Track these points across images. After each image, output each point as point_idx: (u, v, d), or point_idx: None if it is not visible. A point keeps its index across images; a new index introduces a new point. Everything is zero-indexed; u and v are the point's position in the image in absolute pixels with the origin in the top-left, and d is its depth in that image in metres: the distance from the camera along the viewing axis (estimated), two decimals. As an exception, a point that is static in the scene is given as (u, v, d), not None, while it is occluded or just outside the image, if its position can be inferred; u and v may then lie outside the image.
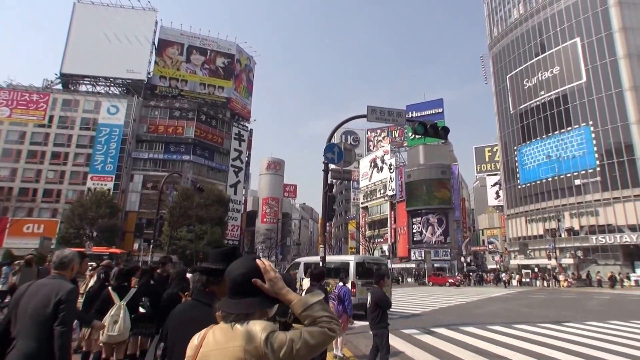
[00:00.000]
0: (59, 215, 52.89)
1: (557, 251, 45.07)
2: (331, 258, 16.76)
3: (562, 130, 51.90)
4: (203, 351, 1.40)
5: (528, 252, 53.40)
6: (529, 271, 48.61)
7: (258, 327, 1.35)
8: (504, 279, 43.24)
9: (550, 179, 52.52)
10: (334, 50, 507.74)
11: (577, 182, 48.81)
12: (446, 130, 11.85)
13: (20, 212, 50.56)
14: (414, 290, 33.83)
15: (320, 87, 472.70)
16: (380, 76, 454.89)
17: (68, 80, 63.90)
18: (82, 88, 65.03)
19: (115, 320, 4.82)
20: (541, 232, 52.82)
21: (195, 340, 1.47)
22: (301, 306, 1.40)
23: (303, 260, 17.48)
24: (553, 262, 44.94)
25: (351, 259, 14.68)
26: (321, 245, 12.22)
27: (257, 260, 1.49)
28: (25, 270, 10.24)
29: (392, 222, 69.24)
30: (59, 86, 63.85)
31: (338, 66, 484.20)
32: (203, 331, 1.47)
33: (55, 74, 63.78)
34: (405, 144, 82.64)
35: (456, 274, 51.70)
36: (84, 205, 47.18)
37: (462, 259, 58.75)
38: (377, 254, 63.22)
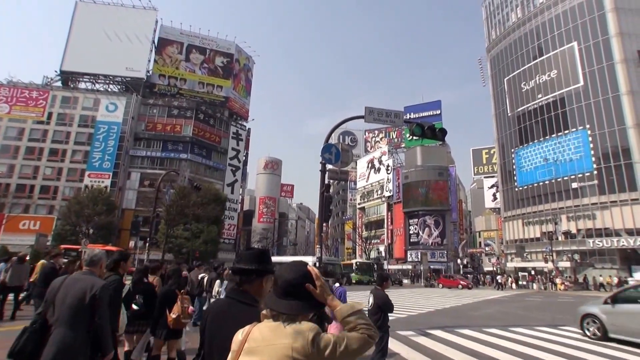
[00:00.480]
0: (55, 212, 52.91)
1: (554, 254, 45.15)
2: (285, 258, 17.95)
3: (560, 134, 52.12)
4: (249, 346, 1.49)
5: (525, 254, 53.53)
6: (526, 274, 48.75)
7: (306, 328, 1.44)
8: (500, 281, 43.22)
9: (547, 182, 52.70)
10: (333, 50, 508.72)
11: (574, 185, 48.97)
12: (444, 131, 11.82)
13: (17, 208, 50.12)
14: (411, 292, 33.77)
15: (319, 87, 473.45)
16: (378, 77, 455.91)
17: (68, 78, 64.07)
18: (82, 85, 65.23)
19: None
20: (538, 235, 52.97)
21: (239, 335, 1.56)
22: (345, 313, 1.52)
23: (273, 260, 17.90)
24: (550, 265, 45.00)
25: (310, 259, 15.22)
26: (317, 246, 12.19)
27: (308, 267, 1.60)
28: (16, 267, 10.19)
29: (389, 223, 69.30)
30: (59, 83, 64.02)
31: (336, 67, 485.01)
32: (247, 327, 1.56)
33: (55, 71, 64.17)
34: (402, 145, 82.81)
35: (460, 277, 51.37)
36: (80, 202, 47.15)
37: (459, 261, 58.89)
38: (373, 254, 63.42)
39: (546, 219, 51.58)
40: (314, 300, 1.54)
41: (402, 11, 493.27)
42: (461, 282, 43.02)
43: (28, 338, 3.08)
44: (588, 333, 10.14)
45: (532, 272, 48.46)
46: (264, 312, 1.57)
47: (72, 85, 64.12)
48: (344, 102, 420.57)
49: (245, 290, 1.98)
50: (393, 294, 24.81)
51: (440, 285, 44.68)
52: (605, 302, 10.00)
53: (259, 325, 1.55)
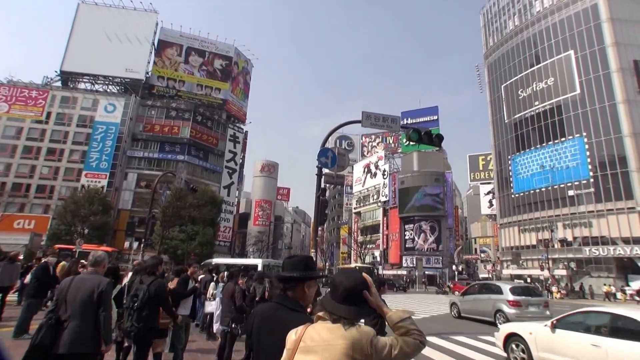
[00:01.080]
0: (51, 212, 52.54)
1: (550, 262, 45.12)
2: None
3: (556, 141, 52.32)
4: (306, 345, 1.62)
5: (521, 262, 53.46)
6: (522, 281, 48.67)
7: (364, 330, 1.60)
8: None
9: (543, 189, 52.81)
10: (330, 56, 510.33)
11: (571, 192, 49.03)
12: (440, 137, 11.78)
13: (12, 207, 49.52)
14: (409, 298, 33.64)
15: (316, 91, 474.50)
16: (376, 82, 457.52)
17: (68, 78, 64.23)
18: (81, 86, 65.39)
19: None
20: (534, 242, 52.89)
21: (292, 335, 1.70)
22: (397, 319, 1.68)
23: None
24: (546, 272, 44.89)
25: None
26: (312, 250, 12.35)
27: (364, 275, 1.77)
28: (6, 266, 10.03)
29: (385, 228, 69.27)
30: (59, 83, 64.15)
31: (334, 72, 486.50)
32: (300, 327, 1.70)
33: (56, 72, 64.28)
34: (399, 150, 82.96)
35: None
36: (76, 202, 46.82)
37: (454, 267, 58.77)
38: (368, 259, 63.31)
39: (542, 226, 51.63)
40: (367, 306, 1.70)
41: (400, 17, 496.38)
42: None
43: (45, 332, 3.55)
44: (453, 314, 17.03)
45: (528, 280, 48.35)
46: (320, 313, 1.71)
47: (71, 86, 64.26)
48: (341, 106, 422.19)
49: (289, 296, 2.08)
50: (389, 299, 24.73)
51: (456, 292, 41.89)
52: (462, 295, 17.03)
53: (315, 326, 1.67)
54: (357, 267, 45.47)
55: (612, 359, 5.59)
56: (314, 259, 10.85)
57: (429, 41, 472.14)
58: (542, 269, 45.94)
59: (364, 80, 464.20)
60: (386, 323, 1.77)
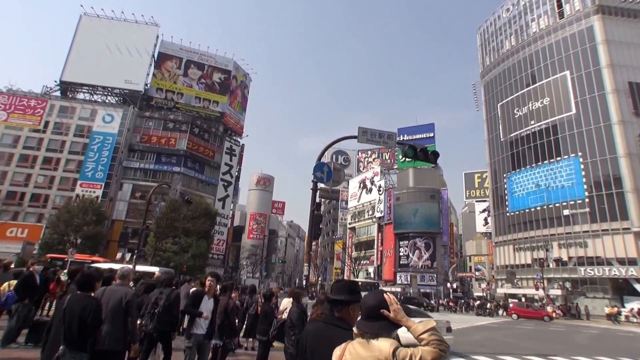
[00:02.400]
0: (44, 221, 52.14)
1: (545, 281, 44.88)
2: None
3: (552, 160, 52.60)
4: (347, 359, 1.90)
5: (515, 281, 53.15)
6: (516, 300, 48.32)
7: (387, 343, 1.81)
8: (487, 307, 42.54)
9: (539, 208, 52.84)
10: (328, 71, 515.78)
11: (566, 212, 49.00)
12: (436, 154, 11.87)
13: (5, 215, 49.84)
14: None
15: (313, 106, 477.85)
16: (372, 99, 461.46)
17: (67, 88, 64.47)
18: (80, 96, 65.61)
19: None
20: (529, 261, 52.70)
21: (337, 351, 1.97)
22: (419, 331, 1.83)
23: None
24: (541, 292, 44.69)
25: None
26: (306, 264, 12.28)
27: (384, 295, 1.99)
28: None
29: (379, 244, 68.87)
30: (58, 93, 64.34)
31: (331, 87, 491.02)
32: (343, 345, 1.97)
33: (55, 81, 64.58)
34: (395, 167, 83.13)
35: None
36: (70, 211, 46.58)
37: (449, 284, 58.37)
38: (362, 275, 62.79)
39: (537, 245, 51.39)
40: (390, 322, 1.91)
41: (398, 35, 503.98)
42: (546, 313, 36.01)
43: None
44: None
45: (523, 299, 48.04)
46: (355, 331, 1.98)
47: (70, 96, 64.46)
48: (338, 122, 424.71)
49: (336, 316, 2.37)
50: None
51: (515, 315, 36.65)
52: None
53: (353, 342, 1.94)
54: (361, 282, 44.61)
55: None
56: (307, 273, 11.11)
57: (426, 59, 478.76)
58: (537, 288, 45.70)
59: (361, 97, 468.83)
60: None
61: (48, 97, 62.00)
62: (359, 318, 2.03)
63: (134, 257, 26.29)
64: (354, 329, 2.00)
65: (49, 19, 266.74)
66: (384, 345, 1.81)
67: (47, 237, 46.27)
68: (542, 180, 53.22)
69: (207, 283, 6.25)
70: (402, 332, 1.99)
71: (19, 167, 56.56)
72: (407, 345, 1.84)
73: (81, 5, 67.39)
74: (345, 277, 62.83)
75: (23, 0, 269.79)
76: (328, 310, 2.47)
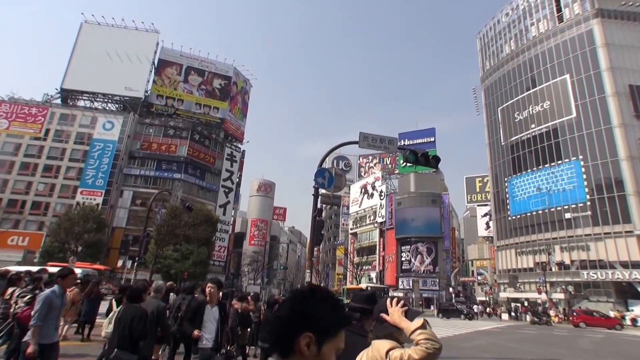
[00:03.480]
0: (45, 229, 52.06)
1: (548, 285, 44.61)
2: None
3: (553, 164, 52.45)
4: None
5: (518, 285, 52.82)
6: (519, 305, 48.05)
7: (384, 344, 1.89)
8: (487, 310, 42.17)
9: (540, 212, 52.61)
10: (328, 76, 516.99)
11: (568, 215, 48.74)
12: (437, 159, 11.80)
13: (7, 223, 49.75)
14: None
15: (314, 112, 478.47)
16: (373, 104, 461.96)
17: (67, 95, 64.70)
18: (81, 103, 65.81)
19: (111, 322, 5.86)
20: (531, 265, 52.39)
21: (362, 357, 2.01)
22: (408, 332, 1.89)
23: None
24: (543, 296, 44.37)
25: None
26: (308, 270, 12.10)
27: (387, 301, 2.11)
28: None
29: (381, 249, 68.60)
30: (58, 101, 64.52)
31: (331, 92, 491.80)
32: (364, 351, 2.00)
33: (56, 89, 64.71)
34: (396, 172, 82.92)
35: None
36: (71, 219, 46.42)
37: (451, 289, 58.06)
38: (364, 281, 62.41)
39: (539, 249, 51.16)
40: (389, 324, 2.01)
41: (398, 40, 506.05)
42: (618, 320, 33.32)
43: None
44: None
45: (526, 303, 47.76)
46: (370, 336, 2.13)
47: (71, 103, 64.68)
48: (339, 127, 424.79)
49: (356, 324, 2.47)
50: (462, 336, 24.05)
51: (582, 323, 33.10)
52: None
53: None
54: (369, 288, 44.10)
55: None
56: (310, 280, 11.08)
57: (426, 64, 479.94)
58: (539, 292, 45.43)
59: (361, 102, 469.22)
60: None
61: (49, 105, 62.18)
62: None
63: (135, 264, 26.19)
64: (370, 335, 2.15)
65: (51, 27, 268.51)
66: (382, 345, 1.89)
67: (48, 245, 46.16)
68: (543, 184, 53.05)
69: (208, 290, 5.64)
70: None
71: (20, 175, 56.67)
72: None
73: (82, 13, 68.67)
74: (348, 283, 62.59)
75: (25, 9, 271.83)
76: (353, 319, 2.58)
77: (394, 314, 2.00)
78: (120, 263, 46.99)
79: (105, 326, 6.20)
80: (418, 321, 1.90)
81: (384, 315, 2.05)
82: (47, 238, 48.86)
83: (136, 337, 4.59)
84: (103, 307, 11.49)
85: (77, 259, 34.43)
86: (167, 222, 44.04)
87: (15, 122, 58.75)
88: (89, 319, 11.08)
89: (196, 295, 7.42)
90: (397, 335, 2.01)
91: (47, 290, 4.94)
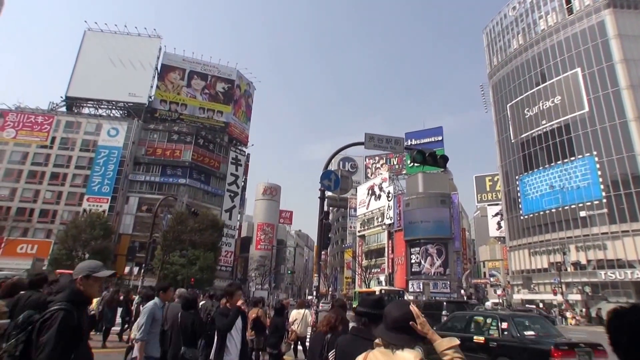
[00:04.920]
0: (53, 236, 52.49)
1: (563, 286, 43.32)
2: None
3: (566, 160, 51.12)
4: None
5: (532, 286, 51.52)
6: (533, 307, 46.71)
7: (412, 355, 1.84)
8: None
9: (554, 210, 51.29)
10: (332, 76, 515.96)
11: (583, 213, 47.46)
12: (445, 158, 11.65)
13: (16, 232, 50.08)
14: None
15: (318, 113, 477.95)
16: (379, 103, 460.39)
17: (72, 103, 65.10)
18: (85, 111, 66.11)
19: (139, 326, 5.89)
20: (546, 265, 51.16)
21: (360, 358, 2.04)
22: (443, 346, 1.87)
23: None
24: (559, 297, 43.10)
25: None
26: (315, 275, 12.00)
27: (411, 307, 2.00)
28: None
29: (390, 251, 67.41)
30: (64, 109, 64.90)
31: (336, 93, 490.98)
32: (364, 353, 2.04)
33: (61, 97, 65.06)
34: (404, 172, 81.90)
35: None
36: (78, 226, 47.03)
37: (463, 291, 56.75)
38: (373, 284, 61.35)
39: (554, 248, 49.91)
40: (416, 334, 1.91)
41: (402, 38, 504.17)
42: None
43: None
44: None
45: (540, 305, 46.43)
46: (376, 340, 2.03)
47: (75, 111, 65.04)
48: (344, 128, 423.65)
49: (363, 328, 2.55)
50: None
51: None
52: None
53: (374, 351, 1.99)
54: (383, 291, 42.84)
55: None
56: (318, 284, 11.43)
57: (432, 61, 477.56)
58: (555, 293, 44.25)
59: (367, 102, 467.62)
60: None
61: (54, 113, 62.59)
62: (380, 327, 2.05)
63: (142, 270, 26.04)
64: (377, 339, 2.02)
65: (55, 35, 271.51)
66: (408, 356, 1.83)
67: (56, 252, 46.79)
68: (556, 182, 51.76)
69: (238, 300, 5.05)
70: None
71: (27, 183, 57.09)
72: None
73: (85, 21, 68.75)
74: (357, 287, 61.65)
75: (29, 18, 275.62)
76: (361, 323, 2.60)
77: (425, 325, 1.92)
78: (127, 269, 46.73)
79: (134, 330, 6.41)
80: (454, 340, 1.90)
81: (414, 324, 1.91)
82: (55, 246, 49.47)
83: (198, 337, 5.47)
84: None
85: (84, 266, 34.00)
86: (173, 228, 44.05)
87: (22, 131, 59.18)
88: (111, 325, 11.73)
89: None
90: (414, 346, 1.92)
91: (150, 303, 5.64)
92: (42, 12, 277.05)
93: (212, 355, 5.06)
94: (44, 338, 2.36)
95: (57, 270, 34.05)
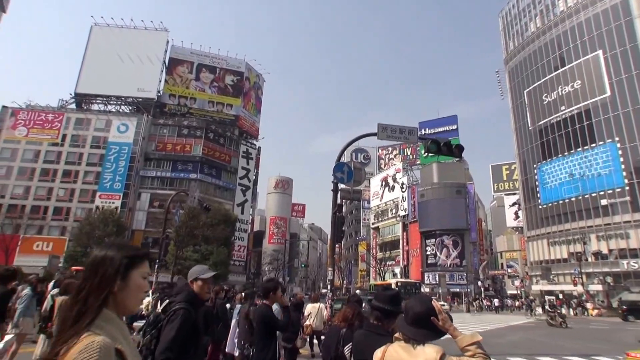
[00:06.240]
0: (67, 233, 53.14)
1: (584, 277, 42.13)
2: None
3: (586, 147, 49.39)
4: None
5: (551, 277, 50.36)
6: (553, 298, 45.51)
7: (434, 350, 1.83)
8: (517, 304, 40.27)
9: (574, 199, 49.75)
10: (342, 65, 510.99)
11: (604, 202, 45.99)
12: (460, 148, 11.54)
13: (31, 229, 50.86)
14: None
15: (330, 104, 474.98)
16: (390, 92, 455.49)
17: (82, 100, 65.23)
18: (95, 107, 66.18)
19: None
20: (565, 255, 49.86)
21: (378, 353, 2.03)
22: (466, 342, 1.88)
23: None
24: (579, 288, 41.92)
25: None
26: (330, 268, 11.90)
27: (433, 302, 1.99)
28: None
29: (405, 243, 66.64)
30: (73, 106, 65.12)
31: (347, 82, 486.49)
32: (383, 347, 2.03)
33: (70, 94, 65.23)
34: (417, 162, 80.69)
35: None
36: (91, 223, 47.35)
37: (480, 283, 55.78)
38: (388, 277, 60.74)
39: (574, 238, 48.61)
40: (437, 329, 1.91)
41: (414, 24, 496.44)
42: None
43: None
44: None
45: (560, 296, 45.22)
46: (396, 334, 2.01)
47: (85, 107, 65.10)
48: (356, 119, 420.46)
49: (377, 324, 2.54)
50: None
51: (631, 316, 30.73)
52: None
53: (393, 345, 1.98)
54: (399, 284, 42.00)
55: None
56: (332, 277, 11.35)
57: (444, 47, 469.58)
58: (575, 284, 43.27)
59: (378, 91, 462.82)
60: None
61: (64, 110, 62.74)
62: (401, 322, 2.03)
63: (156, 266, 25.96)
64: (397, 333, 2.00)
65: (63, 32, 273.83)
66: (429, 351, 1.82)
67: (71, 249, 47.21)
68: (576, 169, 50.16)
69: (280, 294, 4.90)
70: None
71: (41, 181, 57.54)
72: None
73: (91, 16, 68.31)
74: (371, 280, 61.06)
75: (37, 16, 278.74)
76: (373, 319, 2.60)
77: (447, 321, 1.92)
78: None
79: None
80: (477, 336, 1.89)
81: (435, 320, 1.90)
82: (69, 243, 50.11)
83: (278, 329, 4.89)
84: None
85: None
86: (185, 223, 44.16)
87: (33, 129, 59.53)
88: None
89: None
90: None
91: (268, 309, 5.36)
92: (48, 8, 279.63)
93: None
94: (166, 331, 2.75)
95: (73, 267, 34.33)
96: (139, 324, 8.30)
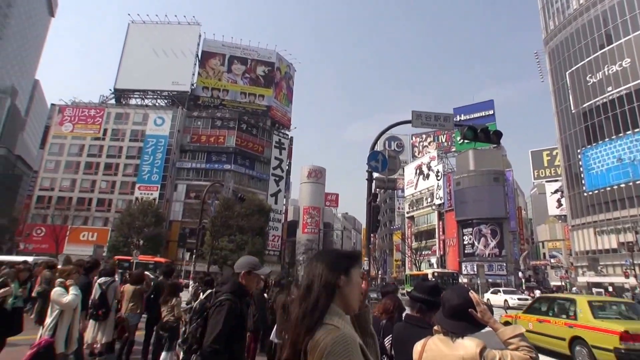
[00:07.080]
0: (109, 224, 55.41)
1: (637, 268, 39.64)
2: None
3: (637, 130, 46.18)
4: (427, 355, 1.91)
5: (599, 268, 47.70)
6: (602, 290, 43.23)
7: (474, 343, 1.77)
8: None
9: (623, 185, 46.81)
10: (377, 52, 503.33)
11: (657, 188, 43.02)
12: (498, 134, 10.99)
13: (78, 220, 53.90)
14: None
15: (361, 91, 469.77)
16: (424, 78, 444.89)
17: (120, 95, 67.63)
18: (132, 101, 68.55)
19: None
20: (615, 245, 47.09)
21: (418, 346, 1.99)
22: (508, 334, 1.77)
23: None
24: (632, 280, 39.51)
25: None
26: (365, 258, 11.59)
27: (470, 293, 1.93)
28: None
29: (441, 232, 65.20)
30: (113, 101, 67.70)
31: (379, 69, 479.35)
32: (423, 340, 1.98)
33: (110, 90, 67.97)
34: (453, 149, 78.48)
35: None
36: (131, 214, 49.09)
37: (520, 274, 53.75)
38: (424, 267, 59.75)
39: (624, 227, 45.66)
40: (476, 322, 1.84)
41: (447, 5, 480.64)
42: None
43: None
44: None
45: (610, 289, 42.86)
46: (435, 327, 1.97)
47: (123, 102, 67.47)
48: (388, 105, 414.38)
49: (418, 317, 2.50)
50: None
51: None
52: None
53: (433, 338, 1.94)
54: (436, 274, 41.07)
55: None
56: (368, 267, 11.27)
57: (479, 28, 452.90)
58: (626, 276, 40.55)
59: (411, 77, 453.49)
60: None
61: (105, 106, 65.40)
62: (439, 314, 1.99)
63: (193, 256, 26.64)
64: (436, 326, 1.96)
65: (103, 32, 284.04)
66: (469, 344, 1.77)
67: (114, 239, 49.46)
68: (625, 154, 47.10)
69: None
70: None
71: (85, 174, 60.46)
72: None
73: (128, 14, 70.17)
74: (407, 270, 60.30)
75: (81, 18, 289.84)
76: (415, 310, 2.56)
77: (486, 313, 1.83)
78: (179, 255, 48.35)
79: None
80: (520, 328, 1.82)
81: (474, 313, 1.83)
82: (112, 233, 52.21)
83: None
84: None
85: (140, 252, 35.99)
86: (220, 214, 44.83)
87: (78, 125, 62.62)
88: None
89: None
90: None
91: None
92: (91, 10, 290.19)
93: None
94: (213, 322, 2.80)
95: (115, 257, 35.88)
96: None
